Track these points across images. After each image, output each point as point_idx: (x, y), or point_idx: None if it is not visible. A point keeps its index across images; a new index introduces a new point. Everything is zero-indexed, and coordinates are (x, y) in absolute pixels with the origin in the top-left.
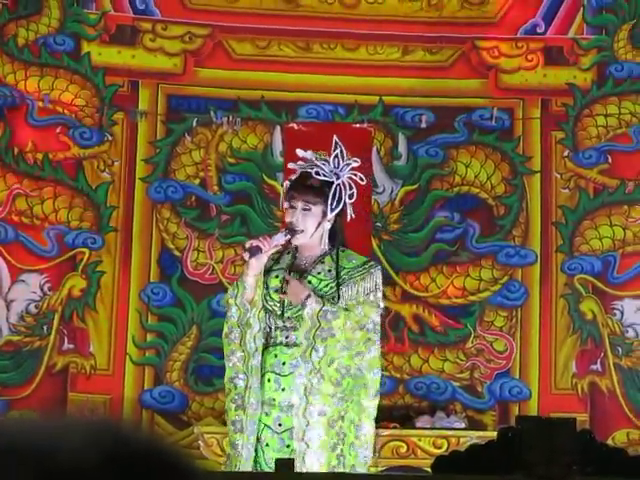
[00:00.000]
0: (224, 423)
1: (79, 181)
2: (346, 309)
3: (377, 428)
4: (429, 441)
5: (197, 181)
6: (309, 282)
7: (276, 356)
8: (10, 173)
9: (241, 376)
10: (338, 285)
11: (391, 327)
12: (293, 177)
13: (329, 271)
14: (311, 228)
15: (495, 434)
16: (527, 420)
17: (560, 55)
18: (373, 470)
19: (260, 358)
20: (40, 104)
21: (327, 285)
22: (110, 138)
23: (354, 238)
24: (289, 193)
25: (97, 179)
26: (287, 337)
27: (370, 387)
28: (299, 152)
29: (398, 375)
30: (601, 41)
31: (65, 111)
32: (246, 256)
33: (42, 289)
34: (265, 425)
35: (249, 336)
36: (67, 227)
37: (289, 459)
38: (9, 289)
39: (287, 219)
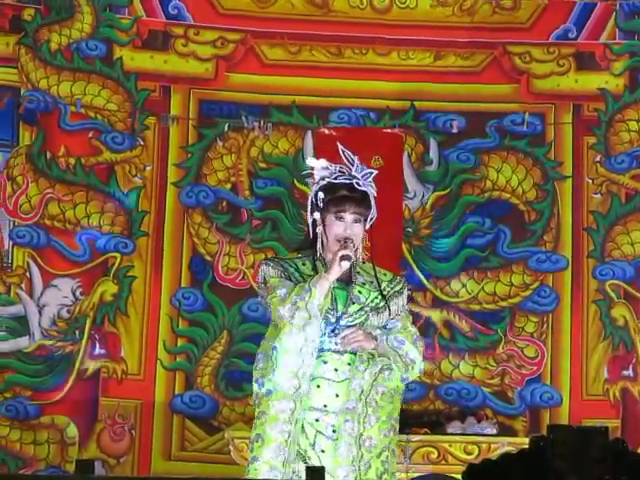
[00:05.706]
0: None
1: (111, 186)
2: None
3: (407, 434)
4: (460, 447)
5: (228, 186)
6: (359, 292)
7: (325, 362)
8: (43, 178)
9: (294, 382)
10: (384, 297)
11: (422, 333)
12: (323, 185)
13: (370, 282)
14: (358, 239)
15: (526, 440)
16: (559, 429)
17: (592, 60)
18: (403, 476)
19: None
20: (72, 109)
21: (375, 298)
22: (142, 143)
23: (385, 243)
24: (341, 205)
25: (129, 184)
26: (336, 344)
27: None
28: (312, 162)
29: (429, 381)
30: (633, 46)
31: (97, 116)
32: (345, 264)
33: (74, 294)
34: (317, 431)
35: (312, 343)
36: (99, 232)
37: (319, 467)
38: (41, 294)
39: (338, 231)
